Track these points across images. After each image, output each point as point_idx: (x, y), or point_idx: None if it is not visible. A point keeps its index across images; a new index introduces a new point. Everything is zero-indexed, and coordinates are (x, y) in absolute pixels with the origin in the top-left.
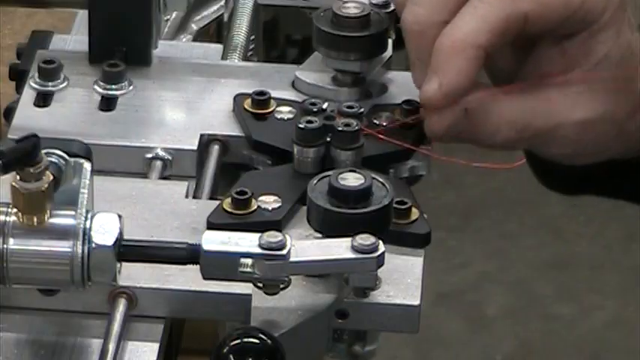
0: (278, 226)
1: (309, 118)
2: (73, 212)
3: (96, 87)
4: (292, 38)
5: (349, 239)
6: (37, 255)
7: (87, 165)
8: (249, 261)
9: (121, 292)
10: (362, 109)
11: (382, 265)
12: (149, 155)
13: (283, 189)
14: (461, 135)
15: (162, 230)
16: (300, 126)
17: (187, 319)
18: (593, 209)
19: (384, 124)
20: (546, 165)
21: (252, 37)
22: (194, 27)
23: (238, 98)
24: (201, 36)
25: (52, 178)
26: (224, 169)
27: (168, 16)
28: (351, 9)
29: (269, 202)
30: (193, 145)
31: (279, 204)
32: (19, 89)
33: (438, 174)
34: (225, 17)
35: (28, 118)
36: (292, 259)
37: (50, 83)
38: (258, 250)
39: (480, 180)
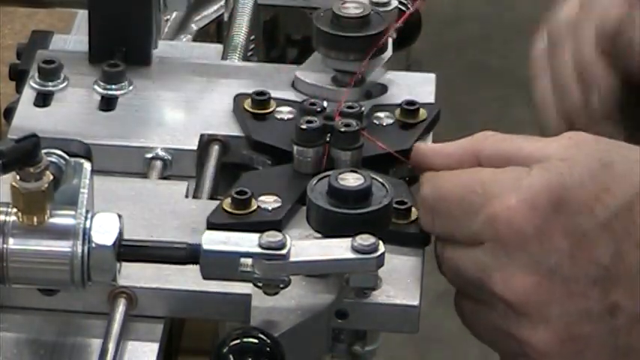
0: (278, 226)
1: (309, 118)
2: (72, 212)
3: (96, 87)
4: (292, 38)
5: (349, 239)
6: (36, 255)
7: (87, 165)
8: (249, 261)
9: (121, 292)
10: (362, 109)
11: (382, 265)
12: (149, 155)
13: (283, 189)
14: None
15: (163, 230)
16: (301, 126)
17: (187, 319)
18: None
19: (384, 124)
20: None
21: (252, 37)
22: (194, 27)
23: (238, 98)
24: (201, 36)
25: (52, 178)
26: (224, 169)
27: (168, 16)
28: (351, 9)
29: (269, 202)
30: (193, 145)
31: (279, 204)
32: (19, 89)
33: None
34: (225, 17)
35: (28, 118)
36: (292, 259)
37: (50, 83)
38: (258, 250)
39: None
